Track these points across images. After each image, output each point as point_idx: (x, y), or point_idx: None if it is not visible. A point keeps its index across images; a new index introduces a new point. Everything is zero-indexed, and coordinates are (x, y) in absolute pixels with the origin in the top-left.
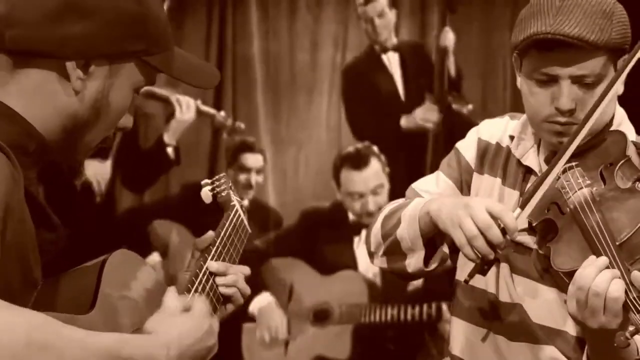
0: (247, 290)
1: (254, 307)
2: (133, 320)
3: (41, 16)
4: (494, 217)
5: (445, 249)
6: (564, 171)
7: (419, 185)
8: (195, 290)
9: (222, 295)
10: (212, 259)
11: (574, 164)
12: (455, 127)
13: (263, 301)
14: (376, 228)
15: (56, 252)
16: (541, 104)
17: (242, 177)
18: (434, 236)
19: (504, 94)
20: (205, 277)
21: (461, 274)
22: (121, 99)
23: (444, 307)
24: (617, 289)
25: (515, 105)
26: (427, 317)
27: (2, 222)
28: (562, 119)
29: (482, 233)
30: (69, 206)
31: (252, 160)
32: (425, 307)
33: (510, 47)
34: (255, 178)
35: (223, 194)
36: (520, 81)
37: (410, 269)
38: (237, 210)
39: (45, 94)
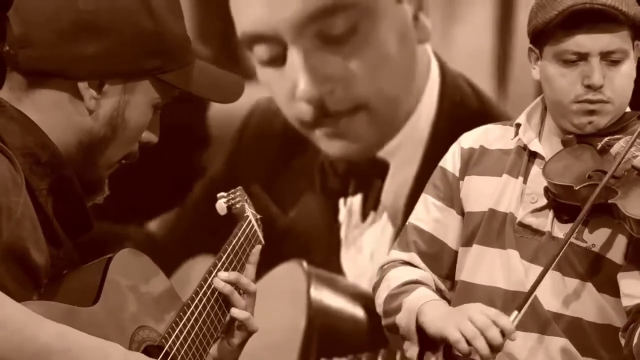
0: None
1: None
2: (137, 317)
3: (55, 36)
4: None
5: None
6: (611, 143)
7: (413, 218)
8: (204, 294)
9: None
10: (222, 266)
11: (619, 136)
12: None
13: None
14: (380, 298)
15: (62, 269)
16: (570, 84)
17: None
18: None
19: None
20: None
21: (461, 274)
22: (138, 116)
23: None
24: None
25: None
26: None
27: None
28: (593, 97)
29: (482, 334)
30: (78, 224)
31: None
32: None
33: (528, 35)
34: None
35: (237, 205)
36: (539, 70)
37: (407, 354)
38: (250, 221)
39: (60, 112)
